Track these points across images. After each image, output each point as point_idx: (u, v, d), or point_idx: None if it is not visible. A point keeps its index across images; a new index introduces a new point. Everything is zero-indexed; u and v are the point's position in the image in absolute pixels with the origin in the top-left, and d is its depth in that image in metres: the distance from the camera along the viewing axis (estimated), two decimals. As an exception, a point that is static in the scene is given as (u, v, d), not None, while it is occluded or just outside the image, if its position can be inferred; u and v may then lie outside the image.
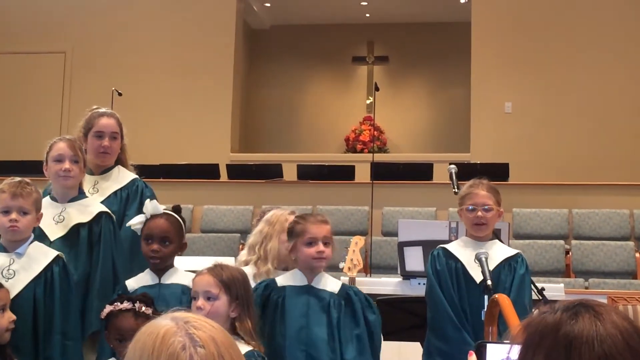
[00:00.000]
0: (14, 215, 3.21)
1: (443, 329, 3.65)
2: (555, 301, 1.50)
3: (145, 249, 3.40)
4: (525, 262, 3.77)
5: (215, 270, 3.04)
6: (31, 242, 3.30)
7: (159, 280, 3.39)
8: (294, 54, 13.34)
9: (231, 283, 3.00)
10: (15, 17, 11.86)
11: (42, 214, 3.35)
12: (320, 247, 3.29)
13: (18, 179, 3.34)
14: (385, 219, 8.74)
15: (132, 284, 3.41)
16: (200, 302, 2.97)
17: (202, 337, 1.33)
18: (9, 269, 3.21)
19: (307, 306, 3.28)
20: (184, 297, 3.32)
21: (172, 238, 3.41)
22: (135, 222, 3.47)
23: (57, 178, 3.57)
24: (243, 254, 3.78)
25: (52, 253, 3.30)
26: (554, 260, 8.04)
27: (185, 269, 3.56)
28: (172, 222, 3.45)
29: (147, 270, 3.44)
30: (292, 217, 3.64)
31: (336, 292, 3.33)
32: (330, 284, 3.37)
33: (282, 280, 3.40)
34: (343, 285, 3.40)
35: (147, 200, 3.54)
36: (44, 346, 3.17)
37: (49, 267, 3.25)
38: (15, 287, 3.18)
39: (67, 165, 3.54)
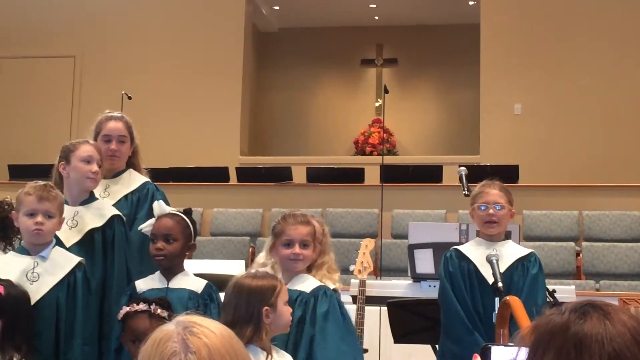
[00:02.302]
0: (39, 219, 3.23)
1: (455, 330, 3.66)
2: (564, 303, 1.50)
3: (151, 248, 3.40)
4: (539, 262, 3.75)
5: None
6: (53, 246, 3.32)
7: (167, 284, 3.40)
8: (302, 57, 13.35)
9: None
10: (24, 22, 11.90)
11: (64, 218, 3.36)
12: (296, 249, 3.30)
13: (42, 182, 3.35)
14: (395, 221, 8.74)
15: (141, 285, 3.41)
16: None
17: (196, 343, 1.34)
18: (33, 272, 3.22)
19: None
20: (190, 303, 3.32)
21: (176, 236, 3.39)
22: (146, 225, 3.48)
23: (84, 179, 3.56)
24: (261, 257, 3.77)
25: (75, 259, 3.31)
26: (564, 262, 8.02)
27: (194, 272, 3.57)
28: (177, 220, 3.44)
29: (158, 273, 3.44)
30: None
31: (307, 292, 3.31)
32: (306, 284, 3.34)
33: None
34: (319, 286, 3.36)
35: (155, 202, 3.55)
36: (65, 349, 3.19)
37: (71, 273, 3.27)
38: (40, 290, 3.20)
39: (95, 167, 3.56)
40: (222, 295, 3.61)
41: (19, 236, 3.60)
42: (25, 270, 3.21)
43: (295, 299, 3.24)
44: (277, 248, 3.35)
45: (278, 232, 3.36)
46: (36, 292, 3.18)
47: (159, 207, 3.48)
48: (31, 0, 11.99)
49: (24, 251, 3.29)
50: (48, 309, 3.19)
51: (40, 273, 3.22)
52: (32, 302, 3.16)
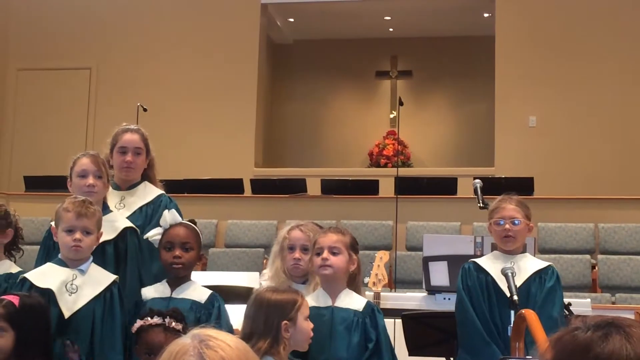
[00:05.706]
0: (78, 235, 3.27)
1: (472, 343, 3.66)
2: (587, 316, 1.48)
3: (166, 256, 3.42)
4: (556, 275, 3.76)
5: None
6: (91, 261, 3.36)
7: (171, 293, 3.41)
8: (317, 69, 13.37)
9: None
10: (40, 34, 11.98)
11: (101, 233, 3.40)
12: (324, 255, 3.25)
13: (81, 198, 3.40)
14: (409, 233, 8.71)
15: (147, 293, 3.43)
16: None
17: (212, 357, 1.35)
18: (72, 284, 3.26)
19: (330, 328, 3.23)
20: (191, 314, 3.33)
21: (193, 245, 3.45)
22: (153, 234, 3.50)
23: (81, 193, 3.59)
24: (266, 272, 3.78)
25: (111, 276, 3.36)
26: (580, 275, 7.97)
27: (208, 284, 3.57)
28: (191, 229, 3.51)
29: (164, 281, 3.46)
30: (294, 232, 3.59)
31: (360, 310, 3.28)
32: (355, 302, 3.30)
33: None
34: (368, 302, 3.34)
35: (165, 211, 3.56)
36: None
37: (108, 288, 3.31)
38: (77, 302, 3.24)
39: (90, 180, 3.59)
40: (231, 306, 3.63)
41: (20, 246, 3.70)
42: (65, 282, 3.26)
43: (352, 320, 3.23)
44: (312, 258, 3.34)
45: (313, 244, 3.35)
46: (74, 303, 3.23)
47: (171, 216, 3.50)
48: (47, 12, 12.07)
49: (61, 263, 3.33)
50: (84, 322, 3.23)
51: (79, 286, 3.27)
52: (70, 313, 3.21)
